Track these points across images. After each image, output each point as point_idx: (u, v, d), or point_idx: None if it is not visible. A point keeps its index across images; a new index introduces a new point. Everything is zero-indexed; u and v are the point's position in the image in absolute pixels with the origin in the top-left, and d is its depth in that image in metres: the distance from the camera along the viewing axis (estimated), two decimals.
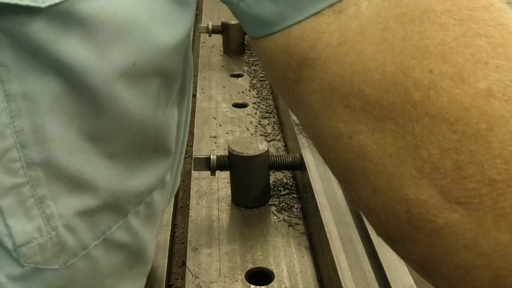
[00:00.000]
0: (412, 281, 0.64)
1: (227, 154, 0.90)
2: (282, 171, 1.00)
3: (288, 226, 0.87)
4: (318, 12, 0.35)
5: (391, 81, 0.32)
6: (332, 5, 0.35)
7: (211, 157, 0.89)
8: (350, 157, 0.35)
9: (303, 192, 0.92)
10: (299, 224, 0.87)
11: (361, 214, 0.38)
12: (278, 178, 0.99)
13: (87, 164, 0.37)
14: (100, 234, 0.41)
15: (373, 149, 0.34)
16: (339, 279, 0.66)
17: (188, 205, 0.92)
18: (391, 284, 0.64)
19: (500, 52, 0.31)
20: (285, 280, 0.75)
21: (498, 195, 0.30)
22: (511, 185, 0.29)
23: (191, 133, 1.12)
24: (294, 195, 0.95)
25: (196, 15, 1.60)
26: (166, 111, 0.42)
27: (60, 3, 0.31)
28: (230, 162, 0.89)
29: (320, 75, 0.35)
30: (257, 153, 0.88)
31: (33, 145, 0.34)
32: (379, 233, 0.37)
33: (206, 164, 0.89)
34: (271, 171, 0.94)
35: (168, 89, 0.41)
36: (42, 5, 0.31)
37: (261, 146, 0.89)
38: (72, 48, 0.33)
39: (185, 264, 0.79)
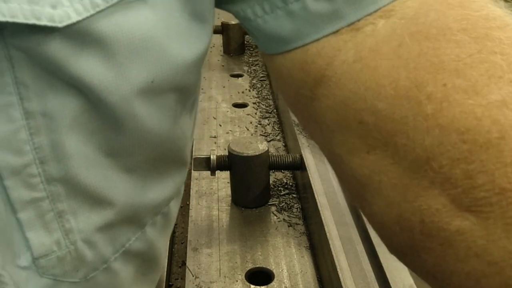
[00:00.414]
0: (412, 281, 0.64)
1: (227, 154, 0.90)
2: (282, 171, 1.00)
3: (288, 226, 0.87)
4: (336, 31, 0.35)
5: (405, 95, 0.33)
6: (351, 24, 0.35)
7: (211, 157, 0.89)
8: (366, 172, 0.35)
9: (303, 192, 0.92)
10: (299, 224, 0.87)
11: (373, 228, 0.38)
12: (278, 178, 0.99)
13: (105, 179, 0.37)
14: (119, 247, 0.41)
15: (389, 163, 0.34)
16: (339, 279, 0.66)
17: (188, 205, 0.92)
18: (391, 284, 0.64)
19: None
20: (285, 280, 0.75)
21: (508, 204, 0.30)
22: None
23: None
24: (294, 195, 0.95)
25: None
26: (181, 123, 0.42)
27: (77, 22, 0.31)
28: (230, 162, 0.89)
29: (335, 92, 0.36)
30: (257, 153, 0.88)
31: (52, 161, 0.34)
32: (391, 248, 0.37)
33: (206, 164, 0.89)
34: (271, 171, 0.94)
35: (184, 102, 0.41)
36: (60, 24, 0.31)
37: (261, 146, 0.89)
38: (90, 67, 0.33)
39: (185, 264, 0.79)
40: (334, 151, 0.37)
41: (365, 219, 0.75)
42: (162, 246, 0.48)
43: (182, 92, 0.39)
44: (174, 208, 0.48)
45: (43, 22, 0.30)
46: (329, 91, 0.36)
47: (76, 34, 0.32)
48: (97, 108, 0.34)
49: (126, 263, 0.42)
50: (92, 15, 0.31)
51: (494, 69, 0.31)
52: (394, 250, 0.37)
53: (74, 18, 0.31)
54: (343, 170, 0.38)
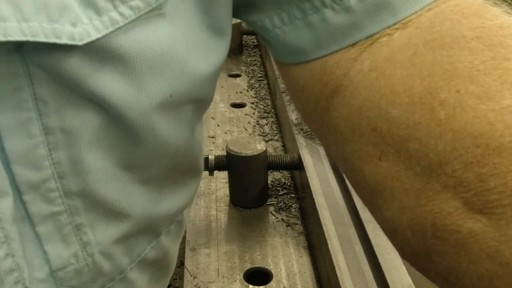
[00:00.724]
0: (410, 281, 0.64)
1: (225, 154, 0.90)
2: (281, 171, 1.00)
3: (287, 226, 0.87)
4: (354, 42, 0.36)
5: (418, 102, 0.33)
6: (369, 36, 0.36)
7: (209, 157, 0.89)
8: (378, 178, 0.36)
9: (301, 192, 0.92)
10: (297, 224, 0.87)
11: (385, 234, 0.38)
12: (277, 178, 0.99)
13: (123, 192, 0.37)
14: (136, 257, 0.41)
15: (401, 169, 0.34)
16: (338, 279, 0.66)
17: None
18: (390, 284, 0.64)
19: None
20: (283, 280, 0.75)
21: None
22: None
23: None
24: (293, 195, 0.95)
25: None
26: (196, 133, 0.42)
27: (96, 39, 0.31)
28: (228, 162, 0.89)
29: (350, 101, 0.36)
30: (255, 153, 0.88)
31: (70, 176, 0.34)
32: (404, 253, 0.37)
33: (205, 164, 0.89)
34: (269, 171, 0.94)
35: (200, 113, 0.41)
36: (80, 42, 0.31)
37: (259, 146, 0.89)
38: (110, 83, 0.33)
39: (183, 264, 0.79)
40: (347, 159, 0.38)
41: (364, 219, 0.75)
42: (175, 252, 0.49)
43: (199, 103, 0.40)
44: (187, 215, 0.49)
45: (64, 40, 0.30)
46: (344, 100, 0.37)
47: (96, 51, 0.32)
48: (116, 123, 0.34)
49: (141, 271, 0.42)
50: (111, 32, 0.32)
51: (507, 75, 0.32)
52: (407, 255, 0.37)
53: (94, 35, 0.31)
54: (356, 178, 0.38)
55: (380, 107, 0.35)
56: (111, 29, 0.32)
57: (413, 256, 0.37)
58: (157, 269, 0.46)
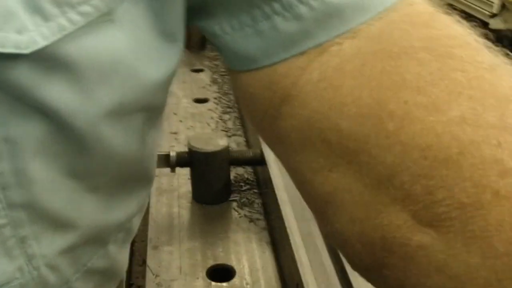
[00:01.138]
0: None
1: (187, 150, 0.89)
2: (243, 166, 1.00)
3: (249, 222, 0.87)
4: (304, 51, 0.35)
5: (367, 113, 0.33)
6: (319, 45, 0.35)
7: (171, 153, 0.88)
8: (328, 190, 0.35)
9: (264, 187, 0.92)
10: (260, 219, 0.87)
11: (334, 246, 0.38)
12: (239, 173, 0.98)
13: (70, 202, 0.36)
14: (81, 267, 0.40)
15: (351, 181, 0.34)
16: (300, 274, 0.66)
17: (148, 203, 0.91)
18: (351, 277, 0.64)
19: (475, 84, 0.32)
20: (246, 276, 0.75)
21: (467, 218, 0.30)
22: (480, 208, 0.30)
23: None
24: (256, 191, 0.94)
25: None
26: (149, 142, 0.41)
27: (44, 47, 0.30)
28: (191, 159, 0.88)
29: (299, 111, 0.35)
30: (217, 149, 0.87)
31: (14, 187, 0.33)
32: (355, 265, 0.37)
33: (166, 161, 0.88)
34: (231, 166, 0.93)
35: (152, 121, 0.40)
36: (26, 51, 0.29)
37: (221, 142, 0.89)
38: (57, 92, 0.32)
39: (145, 262, 0.78)
40: (298, 169, 0.37)
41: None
42: (123, 258, 0.48)
43: (150, 111, 0.39)
44: (136, 221, 0.48)
45: (9, 49, 0.29)
46: (293, 110, 0.36)
47: (43, 59, 0.31)
48: (63, 132, 0.33)
49: (87, 281, 0.42)
50: (59, 39, 0.30)
51: (454, 86, 0.32)
52: (357, 267, 0.37)
53: (41, 43, 0.30)
54: (306, 189, 0.38)
55: (329, 119, 0.34)
56: (59, 36, 0.30)
57: (363, 269, 0.36)
58: (103, 277, 0.45)
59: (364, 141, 0.33)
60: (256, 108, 0.39)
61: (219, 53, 0.40)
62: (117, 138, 0.36)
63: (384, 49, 0.34)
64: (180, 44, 0.38)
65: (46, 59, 0.31)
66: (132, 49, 0.34)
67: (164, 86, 0.38)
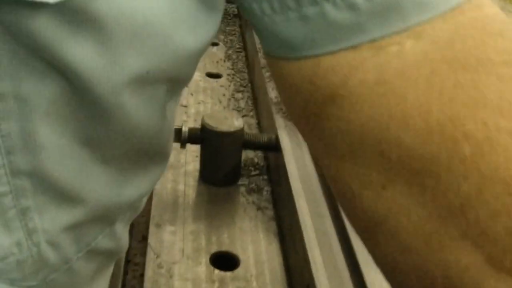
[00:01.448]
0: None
1: (199, 126, 0.85)
2: (255, 150, 0.96)
3: (257, 210, 0.83)
4: (355, 46, 0.31)
5: (437, 130, 0.28)
6: (373, 40, 0.30)
7: (183, 128, 0.84)
8: (380, 209, 0.31)
9: (275, 174, 0.88)
10: (268, 208, 0.83)
11: (380, 270, 0.34)
12: (249, 157, 0.94)
13: (79, 173, 0.33)
14: (84, 246, 0.37)
15: (410, 204, 0.30)
16: (312, 274, 0.62)
17: None
18: (368, 284, 0.60)
19: None
20: (251, 268, 0.72)
21: None
22: None
23: None
24: (265, 177, 0.90)
25: None
26: (168, 115, 0.38)
27: None
28: (203, 136, 0.84)
29: (349, 115, 0.31)
30: (232, 130, 0.83)
31: (20, 152, 0.30)
32: None
33: (177, 136, 0.83)
34: (243, 149, 0.89)
35: (174, 93, 0.37)
36: (51, 0, 0.26)
37: (237, 123, 0.84)
38: (80, 51, 0.29)
39: (145, 239, 0.75)
40: (342, 179, 0.33)
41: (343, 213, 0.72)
42: (126, 238, 0.45)
43: (175, 83, 0.36)
44: (144, 200, 0.45)
45: None
46: (342, 113, 0.32)
47: (69, 12, 0.27)
48: (79, 96, 0.30)
49: (89, 261, 0.39)
50: None
51: None
52: None
53: None
54: (351, 203, 0.33)
55: (389, 130, 0.30)
56: None
57: None
58: (106, 258, 0.42)
59: (432, 162, 0.29)
60: (295, 101, 0.34)
61: (256, 34, 0.36)
62: (138, 109, 0.33)
63: (457, 58, 0.29)
64: (219, 13, 0.35)
65: (72, 13, 0.27)
66: (168, 12, 0.31)
67: (196, 58, 0.35)
